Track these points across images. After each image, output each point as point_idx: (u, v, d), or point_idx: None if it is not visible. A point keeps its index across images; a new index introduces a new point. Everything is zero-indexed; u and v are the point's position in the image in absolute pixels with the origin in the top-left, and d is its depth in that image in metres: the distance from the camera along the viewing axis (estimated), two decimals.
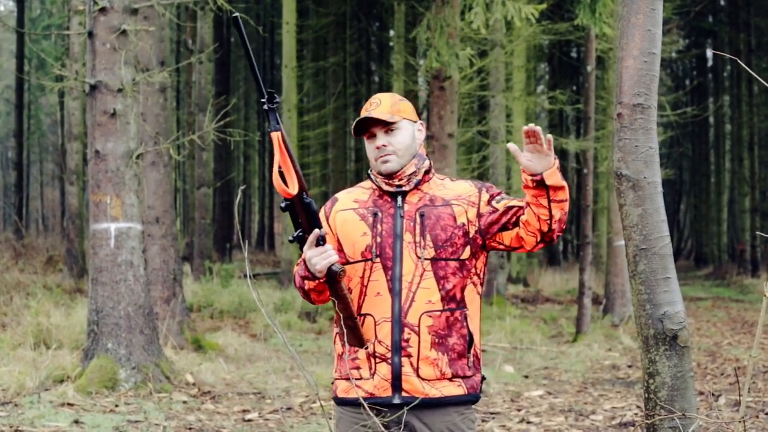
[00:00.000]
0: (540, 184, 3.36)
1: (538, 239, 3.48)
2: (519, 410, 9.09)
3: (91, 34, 9.27)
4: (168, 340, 11.14)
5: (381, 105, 3.53)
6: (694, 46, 40.84)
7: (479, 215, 3.54)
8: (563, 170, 36.40)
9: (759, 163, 33.20)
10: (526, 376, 11.28)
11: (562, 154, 33.41)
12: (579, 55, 34.14)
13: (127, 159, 9.22)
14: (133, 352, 9.12)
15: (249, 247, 41.25)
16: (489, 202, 3.55)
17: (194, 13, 22.50)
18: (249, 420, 8.21)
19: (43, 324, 11.16)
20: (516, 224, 3.50)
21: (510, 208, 3.51)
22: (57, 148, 37.83)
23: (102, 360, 9.00)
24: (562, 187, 3.38)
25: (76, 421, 7.71)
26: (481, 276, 3.61)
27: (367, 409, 3.44)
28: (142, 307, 9.27)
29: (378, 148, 3.52)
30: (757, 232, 6.21)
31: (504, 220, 3.51)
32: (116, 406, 8.35)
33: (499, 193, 3.59)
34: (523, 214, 3.47)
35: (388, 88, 29.89)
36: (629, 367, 12.23)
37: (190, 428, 7.75)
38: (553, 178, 3.37)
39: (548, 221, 3.41)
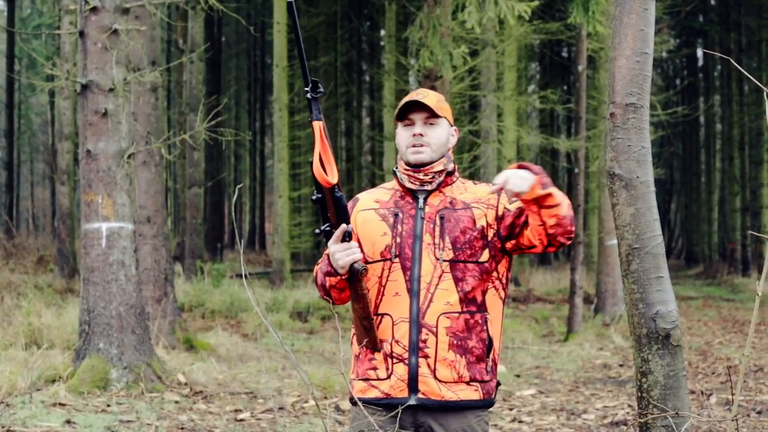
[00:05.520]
0: (527, 201, 3.37)
1: (546, 244, 3.45)
2: (511, 409, 9.10)
3: (82, 34, 9.25)
4: (159, 340, 11.13)
5: (428, 97, 3.54)
6: (684, 46, 40.89)
7: (498, 218, 3.54)
8: (554, 170, 36.24)
9: (749, 162, 33.22)
10: (518, 376, 11.29)
11: (553, 153, 33.47)
12: (570, 54, 34.16)
13: (119, 159, 9.21)
14: (124, 351, 9.10)
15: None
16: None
17: (185, 12, 22.47)
18: (241, 420, 8.21)
19: (35, 324, 11.13)
20: (526, 225, 3.48)
21: (522, 210, 3.49)
22: (47, 148, 37.74)
23: (94, 360, 8.99)
24: (548, 195, 3.33)
25: (68, 421, 7.69)
26: (504, 281, 3.59)
27: (364, 408, 3.43)
28: (134, 307, 9.25)
29: (415, 135, 3.53)
30: (748, 231, 6.24)
31: (518, 222, 3.50)
32: (108, 405, 8.34)
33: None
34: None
35: (379, 88, 29.93)
36: (621, 366, 12.25)
37: (182, 428, 7.74)
38: (535, 191, 3.32)
39: (543, 227, 3.39)
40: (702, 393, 9.67)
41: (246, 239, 44.90)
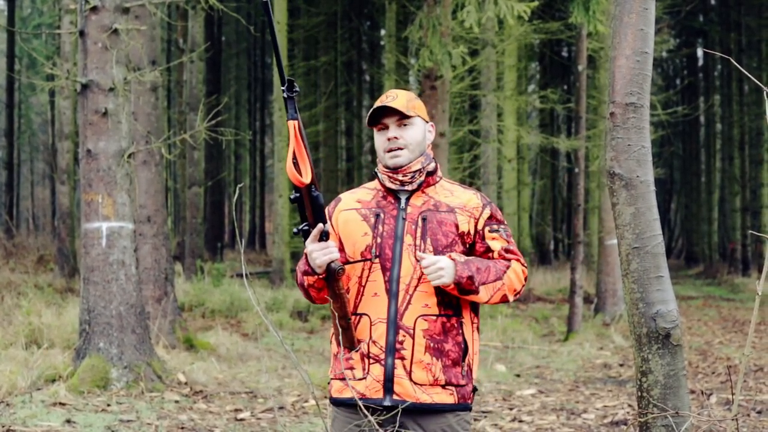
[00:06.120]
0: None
1: None
2: (511, 409, 9.09)
3: (82, 33, 9.25)
4: (160, 340, 11.13)
5: (398, 98, 3.53)
6: (684, 46, 40.89)
7: (475, 230, 3.55)
8: (554, 170, 36.23)
9: (749, 162, 33.20)
10: (518, 375, 11.29)
11: (553, 153, 33.47)
12: (570, 54, 34.16)
13: (119, 158, 9.21)
14: (124, 351, 9.10)
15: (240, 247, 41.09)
16: (488, 223, 3.57)
17: (185, 12, 22.46)
18: (241, 419, 8.21)
19: (35, 323, 11.14)
20: None
21: (488, 247, 3.58)
22: (47, 148, 37.76)
23: (94, 359, 8.99)
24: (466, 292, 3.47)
25: (68, 421, 7.69)
26: None
27: (363, 408, 3.42)
28: (134, 307, 9.25)
29: (389, 139, 3.52)
30: (748, 231, 6.24)
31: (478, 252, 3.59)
32: (108, 405, 8.34)
33: (500, 222, 3.60)
34: None
35: (379, 88, 29.91)
36: (621, 365, 12.24)
37: (182, 427, 7.74)
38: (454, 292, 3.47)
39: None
40: (702, 392, 9.67)
41: (246, 239, 44.91)
